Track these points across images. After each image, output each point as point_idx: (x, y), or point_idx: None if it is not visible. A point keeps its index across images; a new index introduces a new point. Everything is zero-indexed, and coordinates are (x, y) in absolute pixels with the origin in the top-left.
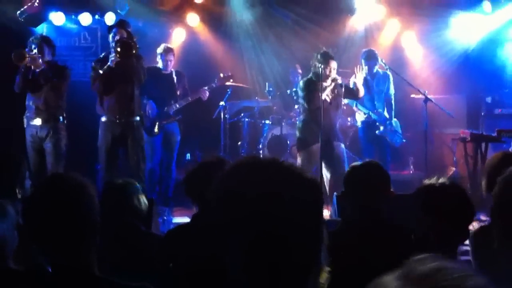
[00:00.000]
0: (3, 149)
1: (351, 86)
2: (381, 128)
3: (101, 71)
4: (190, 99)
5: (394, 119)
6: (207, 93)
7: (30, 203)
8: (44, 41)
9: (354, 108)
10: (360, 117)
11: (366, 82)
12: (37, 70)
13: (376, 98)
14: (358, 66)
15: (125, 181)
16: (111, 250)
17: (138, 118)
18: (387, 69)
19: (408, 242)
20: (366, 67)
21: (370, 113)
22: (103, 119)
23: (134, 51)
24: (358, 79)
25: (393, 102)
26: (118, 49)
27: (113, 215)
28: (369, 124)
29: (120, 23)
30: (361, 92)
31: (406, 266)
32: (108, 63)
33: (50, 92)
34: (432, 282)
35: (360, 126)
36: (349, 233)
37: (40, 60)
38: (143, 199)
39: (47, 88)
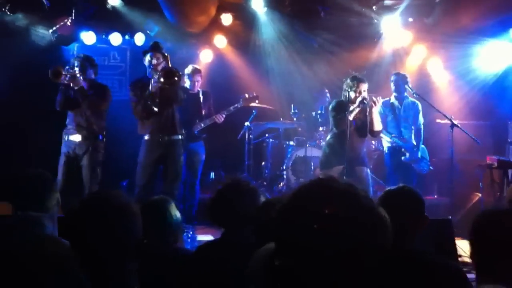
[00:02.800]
0: (34, 166)
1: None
2: (407, 155)
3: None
4: (215, 118)
5: (422, 146)
6: (223, 118)
7: (75, 220)
8: (87, 60)
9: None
10: (386, 142)
11: (393, 108)
12: (76, 87)
13: (402, 124)
14: (377, 98)
15: (162, 197)
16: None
17: (180, 136)
18: (413, 94)
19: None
20: (394, 91)
21: (394, 138)
22: (146, 137)
23: (176, 78)
24: (374, 111)
25: (422, 132)
26: (162, 79)
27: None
28: (395, 150)
29: (155, 47)
30: (376, 126)
31: None
32: (150, 89)
33: (90, 110)
34: None
35: (386, 151)
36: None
37: (81, 78)
38: (177, 215)
39: (86, 105)
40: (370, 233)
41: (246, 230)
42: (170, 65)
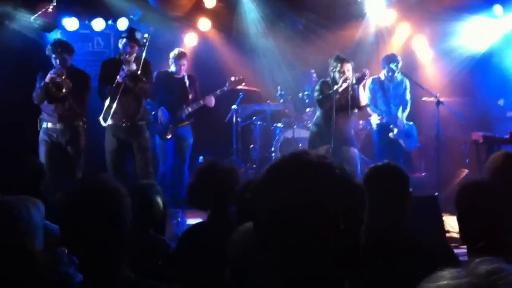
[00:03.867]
0: (24, 154)
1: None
2: (395, 131)
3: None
4: (202, 102)
5: (410, 123)
6: (213, 100)
7: (66, 207)
8: (65, 50)
9: (368, 109)
10: (375, 119)
11: (382, 85)
12: (64, 91)
13: (392, 101)
14: (366, 71)
15: (144, 182)
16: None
17: (143, 122)
18: (398, 72)
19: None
20: (385, 70)
21: (383, 114)
22: (109, 122)
23: (140, 83)
24: (361, 86)
25: (409, 107)
26: (127, 80)
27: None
28: (383, 127)
29: (130, 35)
30: (362, 101)
31: (469, 264)
32: (118, 78)
33: (74, 100)
34: (496, 279)
35: (375, 128)
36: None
37: (63, 77)
38: (162, 199)
39: (69, 96)
40: (344, 202)
41: (229, 211)
42: (140, 66)
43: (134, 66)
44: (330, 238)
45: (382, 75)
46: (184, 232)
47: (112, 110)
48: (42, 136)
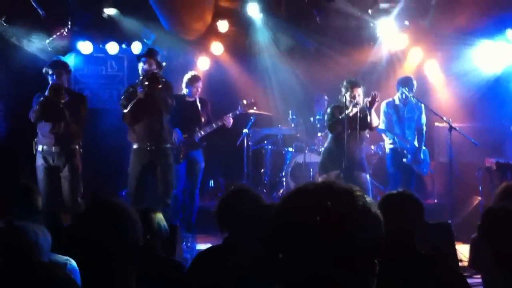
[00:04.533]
0: (16, 177)
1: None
2: (409, 156)
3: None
4: (214, 126)
5: (424, 148)
6: (231, 120)
7: (75, 228)
8: (63, 68)
9: (382, 134)
10: (388, 143)
11: (397, 109)
12: (62, 101)
13: (406, 125)
14: (376, 93)
15: (147, 207)
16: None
17: (168, 145)
18: (410, 97)
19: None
20: (399, 92)
21: (396, 139)
22: (135, 146)
23: (159, 85)
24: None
25: (424, 132)
26: (146, 83)
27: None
28: (397, 151)
29: (149, 52)
30: (374, 122)
31: None
32: (138, 95)
33: (71, 120)
34: None
35: (388, 152)
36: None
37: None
38: (164, 225)
39: (66, 115)
40: (365, 231)
41: (249, 233)
42: (159, 74)
43: (154, 66)
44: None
45: (397, 98)
46: (200, 254)
47: (136, 133)
48: (38, 160)
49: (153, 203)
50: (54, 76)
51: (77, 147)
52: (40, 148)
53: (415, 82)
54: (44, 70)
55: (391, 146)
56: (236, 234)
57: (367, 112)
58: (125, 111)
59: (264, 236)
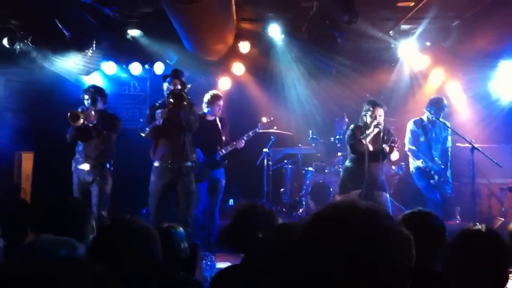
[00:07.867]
0: (66, 194)
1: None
2: (436, 177)
3: (157, 122)
4: (235, 144)
5: (448, 171)
6: (243, 143)
7: (96, 247)
8: (97, 92)
9: (408, 152)
10: (413, 162)
11: (425, 129)
12: (90, 124)
13: (433, 146)
14: (397, 140)
15: (168, 225)
16: None
17: (190, 163)
18: (432, 118)
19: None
20: (428, 112)
21: (422, 161)
22: (156, 164)
23: (185, 102)
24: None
25: (449, 153)
26: (171, 100)
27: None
28: (423, 171)
29: (174, 73)
30: (393, 157)
31: None
32: (161, 115)
33: (100, 141)
34: None
35: (414, 172)
36: None
37: (93, 112)
38: (184, 243)
39: (96, 136)
40: (390, 252)
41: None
42: (184, 92)
43: (178, 87)
44: None
45: (425, 117)
46: (220, 273)
47: (158, 151)
48: (74, 179)
49: (173, 222)
50: (89, 101)
51: (107, 165)
52: (74, 166)
53: (446, 103)
54: (81, 95)
55: (420, 165)
56: (251, 258)
57: (386, 157)
58: (143, 135)
59: (282, 260)
